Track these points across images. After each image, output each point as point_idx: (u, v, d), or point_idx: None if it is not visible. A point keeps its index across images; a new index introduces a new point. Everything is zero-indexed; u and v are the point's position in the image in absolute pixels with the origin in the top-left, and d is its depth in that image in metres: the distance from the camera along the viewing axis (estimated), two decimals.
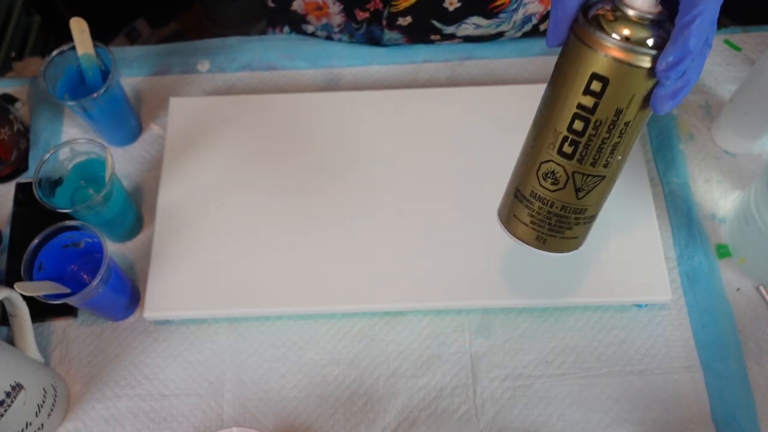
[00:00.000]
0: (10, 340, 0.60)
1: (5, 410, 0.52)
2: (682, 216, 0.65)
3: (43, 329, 0.64)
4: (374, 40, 0.78)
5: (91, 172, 0.64)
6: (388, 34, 0.76)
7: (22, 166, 0.71)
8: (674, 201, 0.66)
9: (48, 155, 0.60)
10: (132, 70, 0.76)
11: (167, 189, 0.66)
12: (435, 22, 0.73)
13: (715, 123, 0.70)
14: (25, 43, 1.37)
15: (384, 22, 0.74)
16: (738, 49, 0.75)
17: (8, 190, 0.70)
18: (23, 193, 0.69)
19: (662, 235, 0.64)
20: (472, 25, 0.73)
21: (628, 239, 0.62)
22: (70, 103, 0.64)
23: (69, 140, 0.61)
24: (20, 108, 0.76)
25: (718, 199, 0.67)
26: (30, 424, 0.55)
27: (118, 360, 0.62)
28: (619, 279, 0.60)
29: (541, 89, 0.69)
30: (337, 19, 0.76)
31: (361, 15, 0.74)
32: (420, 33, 0.75)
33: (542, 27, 0.76)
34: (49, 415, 0.58)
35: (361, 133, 0.68)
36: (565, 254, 0.48)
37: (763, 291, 0.62)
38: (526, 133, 0.67)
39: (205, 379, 0.61)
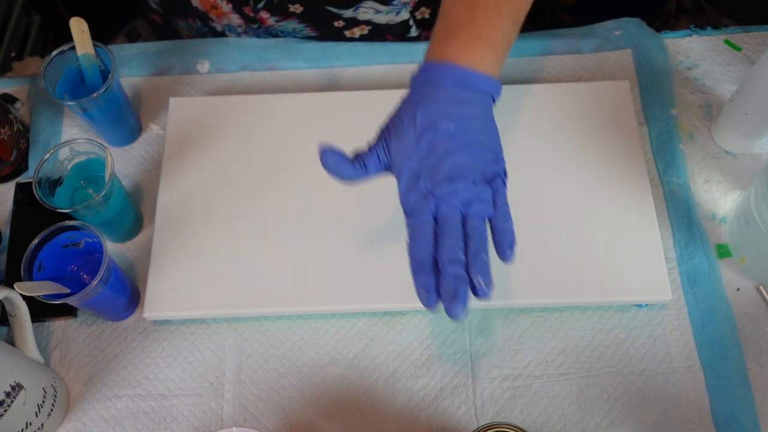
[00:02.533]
0: (10, 340, 0.60)
1: (5, 410, 0.52)
2: (682, 216, 0.65)
3: (42, 329, 0.64)
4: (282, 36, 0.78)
5: (91, 172, 0.64)
6: (290, 24, 0.74)
7: (21, 165, 0.71)
8: (674, 201, 0.66)
9: (48, 155, 0.60)
10: (132, 70, 0.76)
11: (167, 189, 0.66)
12: (330, 8, 0.72)
13: (716, 123, 0.69)
14: (25, 43, 1.36)
15: (264, 17, 0.72)
16: (738, 48, 0.75)
17: (8, 189, 0.70)
18: (23, 193, 0.69)
19: (662, 235, 0.64)
20: (371, 9, 0.73)
21: (628, 239, 0.62)
22: (70, 103, 0.64)
23: (69, 140, 0.61)
24: (20, 108, 0.76)
25: (718, 199, 0.67)
26: (30, 424, 0.55)
27: (118, 360, 0.62)
28: (619, 279, 0.60)
29: (540, 89, 0.69)
30: (234, 19, 0.76)
31: (248, 10, 0.73)
32: (320, 20, 0.74)
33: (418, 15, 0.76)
34: (48, 415, 0.57)
35: (362, 133, 0.68)
36: None
37: (763, 291, 0.62)
38: (525, 132, 0.67)
39: (204, 380, 0.61)
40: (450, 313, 0.46)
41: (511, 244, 0.50)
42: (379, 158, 0.53)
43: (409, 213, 0.51)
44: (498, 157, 0.51)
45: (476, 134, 0.51)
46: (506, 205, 0.51)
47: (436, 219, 0.50)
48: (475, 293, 0.48)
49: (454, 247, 0.48)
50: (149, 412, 0.60)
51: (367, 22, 0.75)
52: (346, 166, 0.52)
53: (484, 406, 0.59)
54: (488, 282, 0.48)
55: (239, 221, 0.64)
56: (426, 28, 0.78)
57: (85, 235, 0.59)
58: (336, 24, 0.75)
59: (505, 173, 0.52)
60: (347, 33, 0.77)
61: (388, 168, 0.53)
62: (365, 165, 0.52)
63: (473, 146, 0.50)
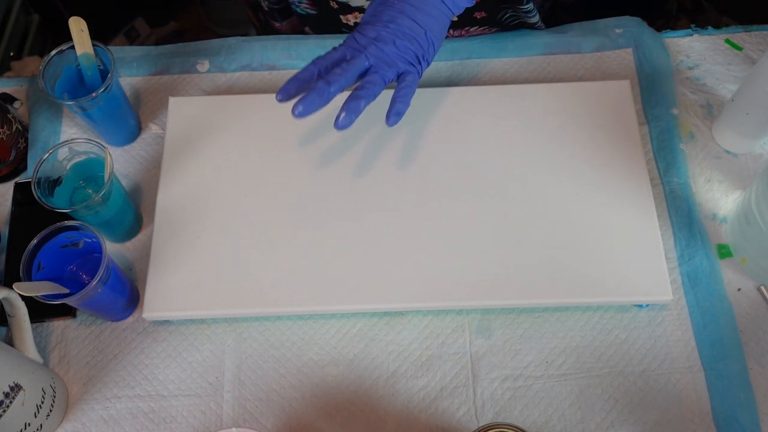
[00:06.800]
0: (9, 341, 0.60)
1: (4, 411, 0.52)
2: (682, 216, 0.65)
3: (41, 329, 0.64)
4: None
5: (90, 172, 0.64)
6: None
7: (20, 165, 0.71)
8: (675, 201, 0.66)
9: (47, 155, 0.60)
10: (131, 70, 0.76)
11: (166, 189, 0.66)
12: None
13: (716, 122, 0.69)
14: (24, 43, 1.37)
15: None
16: (739, 48, 0.75)
17: (7, 189, 0.70)
18: (22, 192, 0.69)
19: (663, 235, 0.64)
20: None
21: (628, 239, 0.61)
22: (69, 102, 0.64)
23: (68, 140, 0.61)
24: (19, 107, 0.76)
25: (719, 198, 0.67)
26: (29, 424, 0.55)
27: (117, 360, 0.62)
28: (619, 279, 0.60)
29: (541, 89, 0.69)
30: None
31: None
32: None
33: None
34: (47, 415, 0.57)
35: (361, 133, 0.68)
36: None
37: (764, 291, 0.62)
38: (525, 132, 0.67)
39: (204, 380, 0.61)
40: (294, 108, 0.54)
41: (399, 113, 0.57)
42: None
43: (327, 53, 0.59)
44: (421, 61, 0.60)
45: (417, 30, 0.58)
46: (411, 88, 0.59)
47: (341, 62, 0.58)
48: (335, 122, 0.55)
49: (340, 75, 0.56)
50: (148, 412, 0.60)
51: (360, 9, 0.75)
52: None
53: (485, 406, 0.59)
54: (347, 123, 0.55)
55: (239, 221, 0.64)
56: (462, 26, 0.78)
57: (85, 235, 0.58)
58: (331, 4, 0.75)
59: (419, 75, 0.60)
60: (342, 18, 0.77)
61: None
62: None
63: (411, 33, 0.58)
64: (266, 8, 0.83)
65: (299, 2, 0.77)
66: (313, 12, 0.78)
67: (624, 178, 0.64)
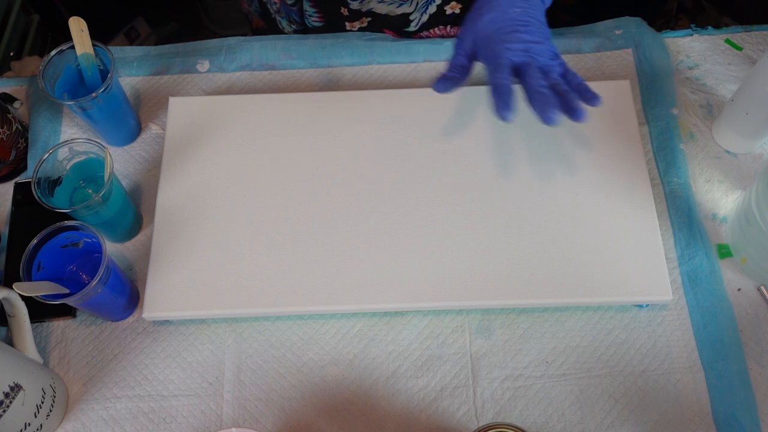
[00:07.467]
0: (9, 341, 0.60)
1: (4, 411, 0.52)
2: (682, 216, 0.65)
3: (41, 329, 0.64)
4: (305, 26, 0.80)
5: (90, 172, 0.64)
6: (305, 4, 0.77)
7: (20, 165, 0.71)
8: (675, 201, 0.66)
9: (47, 155, 0.60)
10: (131, 70, 0.76)
11: (166, 189, 0.66)
12: None
13: (716, 122, 0.69)
14: (24, 43, 1.36)
15: None
16: (739, 48, 0.75)
17: (7, 189, 0.70)
18: (22, 192, 0.69)
19: (663, 235, 0.64)
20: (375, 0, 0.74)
21: (628, 239, 0.61)
22: (69, 102, 0.64)
23: (68, 140, 0.61)
24: (19, 107, 0.76)
25: (719, 198, 0.67)
26: (29, 424, 0.55)
27: (117, 360, 0.62)
28: (619, 279, 0.60)
29: None
30: None
31: None
32: (329, 5, 0.76)
33: (447, 9, 0.77)
34: (47, 415, 0.57)
35: (361, 133, 0.68)
36: None
37: (764, 291, 0.62)
38: (525, 132, 0.67)
39: (204, 380, 0.61)
40: (546, 118, 0.54)
41: (596, 95, 0.55)
42: (463, 49, 0.60)
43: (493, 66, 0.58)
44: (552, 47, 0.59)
45: (536, 22, 0.59)
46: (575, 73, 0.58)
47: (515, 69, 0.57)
48: (573, 114, 0.54)
49: (541, 78, 0.55)
50: (148, 412, 0.60)
51: (368, 12, 0.75)
52: (445, 80, 0.60)
53: (485, 406, 0.59)
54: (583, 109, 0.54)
55: (239, 221, 0.64)
56: (455, 24, 0.79)
57: (85, 235, 0.58)
58: (342, 10, 0.75)
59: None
60: (348, 25, 0.77)
61: (472, 54, 0.60)
62: (455, 64, 0.60)
63: (538, 27, 0.58)
64: (290, 31, 0.83)
65: (309, 16, 0.78)
66: (320, 24, 0.78)
67: (624, 178, 0.64)
